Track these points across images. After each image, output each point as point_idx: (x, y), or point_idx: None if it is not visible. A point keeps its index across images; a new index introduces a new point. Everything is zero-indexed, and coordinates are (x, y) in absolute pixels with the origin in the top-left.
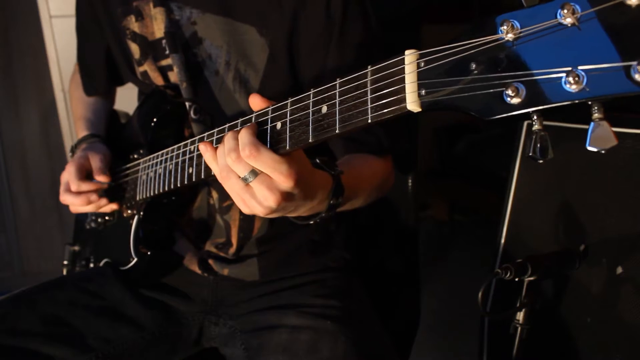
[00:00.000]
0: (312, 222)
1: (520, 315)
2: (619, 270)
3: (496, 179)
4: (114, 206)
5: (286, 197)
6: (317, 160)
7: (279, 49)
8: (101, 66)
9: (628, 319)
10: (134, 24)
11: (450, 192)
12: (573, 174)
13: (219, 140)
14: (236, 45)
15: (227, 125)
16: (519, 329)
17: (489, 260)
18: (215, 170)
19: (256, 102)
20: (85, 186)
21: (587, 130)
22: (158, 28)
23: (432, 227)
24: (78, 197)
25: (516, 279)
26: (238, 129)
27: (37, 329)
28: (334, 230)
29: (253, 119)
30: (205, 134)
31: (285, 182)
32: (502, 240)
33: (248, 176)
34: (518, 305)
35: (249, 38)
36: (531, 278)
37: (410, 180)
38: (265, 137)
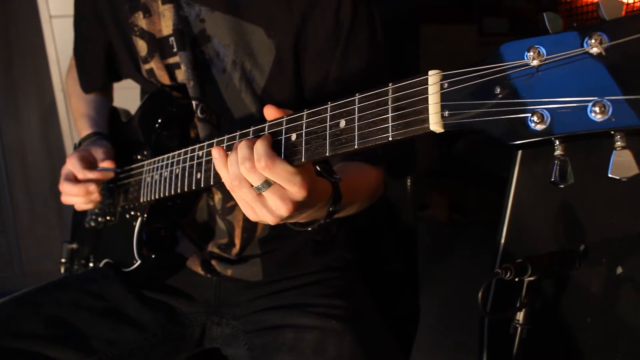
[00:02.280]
0: (309, 229)
1: (520, 315)
2: (619, 270)
3: (496, 179)
4: (100, 198)
5: (298, 206)
6: (318, 168)
7: (286, 51)
8: (99, 62)
9: (628, 319)
10: (141, 21)
11: (450, 192)
12: (573, 174)
13: (229, 148)
14: (243, 44)
15: (237, 133)
16: (519, 329)
17: (489, 260)
18: (225, 178)
19: (270, 113)
20: (91, 174)
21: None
22: (166, 25)
23: (432, 227)
24: (77, 186)
25: (516, 279)
26: (251, 137)
27: (40, 331)
28: (336, 231)
29: (266, 128)
30: (215, 140)
31: (298, 192)
32: (502, 240)
33: (261, 186)
34: (518, 305)
35: (256, 39)
36: (531, 278)
37: (409, 181)
38: (280, 147)
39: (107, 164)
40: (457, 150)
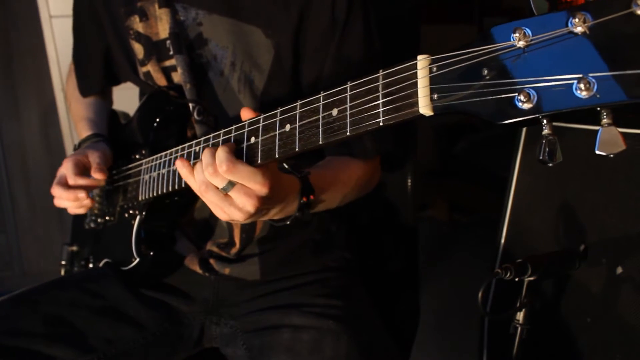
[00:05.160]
0: (288, 223)
1: (520, 315)
2: (619, 270)
3: (496, 179)
4: (91, 204)
5: (263, 201)
6: (285, 165)
7: (285, 50)
8: (98, 66)
9: (628, 319)
10: (138, 24)
11: (450, 192)
12: (573, 174)
13: (216, 145)
14: (242, 46)
15: (219, 132)
16: (519, 329)
17: (489, 260)
18: (193, 185)
19: (245, 114)
20: (82, 181)
21: (587, 130)
22: (163, 29)
23: (432, 227)
24: (67, 191)
25: (516, 279)
26: (215, 143)
27: (38, 330)
28: (335, 230)
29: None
30: (211, 135)
31: (261, 190)
32: (502, 240)
33: (226, 187)
34: (518, 305)
35: (255, 39)
36: (531, 278)
37: (409, 180)
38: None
39: (98, 176)
40: (457, 150)
